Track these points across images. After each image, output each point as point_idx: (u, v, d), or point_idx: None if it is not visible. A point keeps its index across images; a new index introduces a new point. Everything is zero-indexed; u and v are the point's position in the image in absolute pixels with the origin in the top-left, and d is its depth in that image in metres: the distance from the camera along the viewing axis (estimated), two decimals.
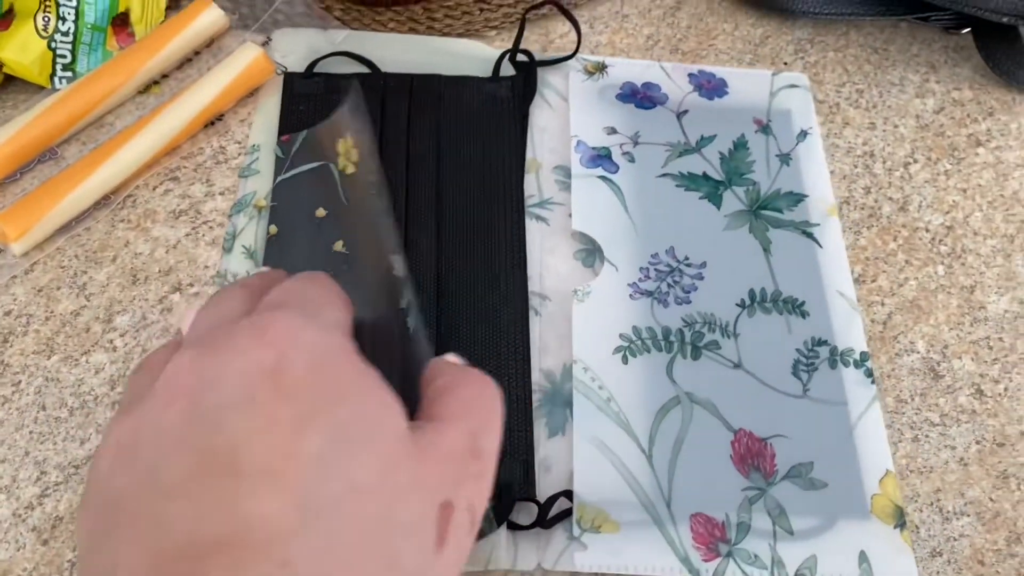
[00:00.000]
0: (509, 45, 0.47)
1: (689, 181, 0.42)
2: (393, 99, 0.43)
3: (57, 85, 0.42)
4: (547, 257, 0.40)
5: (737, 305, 0.39)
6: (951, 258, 0.42)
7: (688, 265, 0.40)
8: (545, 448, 0.35)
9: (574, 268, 0.40)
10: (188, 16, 0.43)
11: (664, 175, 0.42)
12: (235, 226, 0.40)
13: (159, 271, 0.39)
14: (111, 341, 0.37)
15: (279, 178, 0.40)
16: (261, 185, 0.41)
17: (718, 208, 0.41)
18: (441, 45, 0.46)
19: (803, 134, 0.44)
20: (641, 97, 0.45)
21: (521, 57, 0.45)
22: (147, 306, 0.38)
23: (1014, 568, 0.35)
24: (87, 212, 0.39)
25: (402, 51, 0.45)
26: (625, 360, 0.37)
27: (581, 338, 0.37)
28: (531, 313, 0.38)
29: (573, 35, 0.47)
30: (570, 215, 0.41)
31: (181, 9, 0.44)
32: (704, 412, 0.36)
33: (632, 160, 0.42)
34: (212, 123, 0.43)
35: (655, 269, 0.39)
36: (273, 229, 0.39)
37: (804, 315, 0.39)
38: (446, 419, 0.24)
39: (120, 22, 0.44)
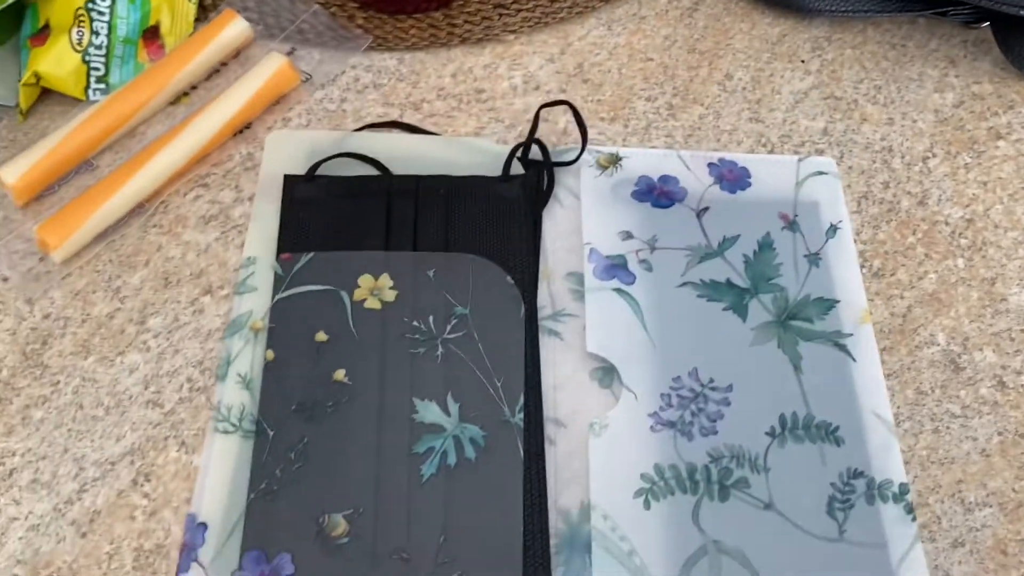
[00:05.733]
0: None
1: (712, 290, 0.39)
2: (399, 202, 0.40)
3: (92, 97, 0.44)
4: (561, 377, 0.37)
5: (767, 434, 0.36)
6: (971, 251, 0.42)
7: (713, 389, 0.37)
8: None
9: (590, 389, 0.37)
10: (215, 28, 0.45)
11: (684, 284, 0.39)
12: (230, 351, 0.37)
13: (190, 274, 0.40)
14: (145, 342, 0.38)
15: (277, 296, 0.38)
16: (258, 304, 0.38)
17: (744, 320, 0.38)
18: (450, 143, 0.43)
19: (833, 229, 0.41)
20: (658, 194, 0.42)
21: (536, 153, 0.42)
22: (179, 308, 0.39)
23: None
24: (122, 220, 0.41)
25: (408, 149, 0.43)
26: (647, 505, 0.34)
27: (599, 479, 0.34)
28: (546, 443, 0.35)
29: (590, 120, 0.45)
30: (584, 328, 0.38)
31: (209, 21, 0.45)
32: (733, 563, 0.33)
33: (649, 268, 0.39)
34: (241, 131, 0.44)
35: (677, 395, 0.36)
36: (270, 354, 0.36)
37: (839, 442, 0.36)
38: None
39: (150, 35, 0.45)
